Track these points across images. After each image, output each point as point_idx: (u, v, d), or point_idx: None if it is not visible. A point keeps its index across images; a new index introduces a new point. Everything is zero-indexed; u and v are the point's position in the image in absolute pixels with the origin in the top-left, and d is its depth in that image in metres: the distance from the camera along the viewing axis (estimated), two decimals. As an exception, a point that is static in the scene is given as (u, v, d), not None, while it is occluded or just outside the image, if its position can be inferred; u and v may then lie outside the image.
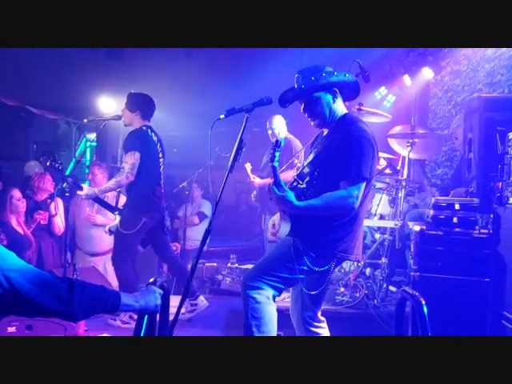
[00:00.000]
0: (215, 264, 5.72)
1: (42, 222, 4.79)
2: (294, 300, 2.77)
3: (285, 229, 2.62)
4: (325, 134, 2.70)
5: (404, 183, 4.39)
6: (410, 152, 4.51)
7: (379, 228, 4.52)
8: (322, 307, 2.76)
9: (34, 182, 4.93)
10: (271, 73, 5.99)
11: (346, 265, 4.36)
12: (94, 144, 8.30)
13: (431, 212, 3.53)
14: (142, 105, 4.15)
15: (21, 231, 4.58)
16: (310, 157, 2.69)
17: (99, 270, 4.89)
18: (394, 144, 4.94)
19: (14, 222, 4.56)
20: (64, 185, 4.04)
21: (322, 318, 2.75)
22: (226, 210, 8.32)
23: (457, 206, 3.47)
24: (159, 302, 1.79)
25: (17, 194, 4.60)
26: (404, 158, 4.68)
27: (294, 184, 2.61)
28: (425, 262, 3.46)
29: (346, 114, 2.66)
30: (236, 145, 2.43)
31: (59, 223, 4.89)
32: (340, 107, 2.64)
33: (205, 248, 2.92)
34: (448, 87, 6.28)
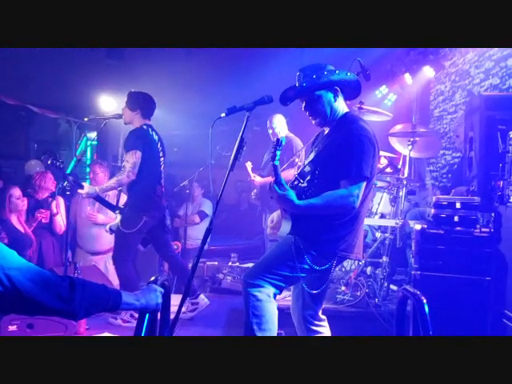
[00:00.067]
0: (216, 263, 5.73)
1: (43, 221, 4.78)
2: (295, 299, 2.77)
3: (285, 227, 2.62)
4: (326, 132, 2.70)
5: (405, 182, 4.38)
6: (410, 151, 4.51)
7: (380, 227, 4.52)
8: (323, 306, 2.76)
9: (35, 181, 4.93)
10: (271, 73, 5.98)
11: (346, 263, 4.35)
12: (95, 143, 8.31)
13: (432, 211, 3.53)
14: (142, 103, 4.14)
15: (22, 230, 4.57)
16: (311, 156, 2.69)
17: (100, 269, 4.89)
18: (394, 143, 4.93)
19: (14, 221, 4.55)
20: (65, 183, 4.05)
21: (323, 317, 2.76)
22: (226, 208, 8.32)
23: (458, 205, 3.47)
24: (160, 300, 1.79)
25: (16, 192, 4.58)
26: (405, 156, 4.68)
27: (295, 183, 2.61)
28: (426, 261, 3.46)
29: (347, 113, 2.66)
30: (237, 144, 2.42)
31: (60, 222, 4.90)
32: (341, 106, 2.64)
33: (206, 247, 2.92)
34: (449, 86, 6.27)
